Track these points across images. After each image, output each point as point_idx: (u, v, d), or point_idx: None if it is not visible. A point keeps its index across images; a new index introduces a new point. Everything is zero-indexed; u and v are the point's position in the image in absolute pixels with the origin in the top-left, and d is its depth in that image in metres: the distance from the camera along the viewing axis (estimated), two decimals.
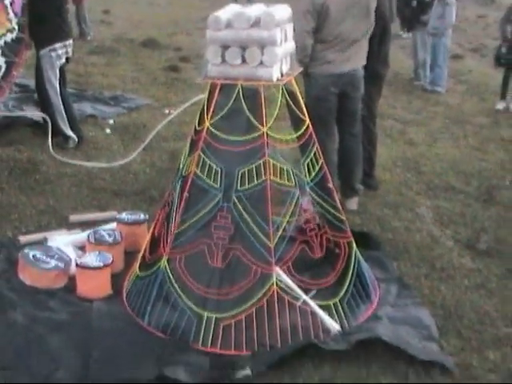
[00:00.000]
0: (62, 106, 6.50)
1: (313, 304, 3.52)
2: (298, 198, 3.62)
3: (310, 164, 3.74)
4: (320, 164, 3.79)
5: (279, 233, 3.51)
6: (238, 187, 3.50)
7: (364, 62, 5.16)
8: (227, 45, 3.51)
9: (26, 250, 4.13)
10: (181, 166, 3.80)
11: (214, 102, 3.57)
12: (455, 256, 4.77)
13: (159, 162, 6.48)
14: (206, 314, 3.48)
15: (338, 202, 3.88)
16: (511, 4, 11.38)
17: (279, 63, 3.57)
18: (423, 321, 3.76)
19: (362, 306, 3.77)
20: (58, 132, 6.55)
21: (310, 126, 3.76)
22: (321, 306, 3.58)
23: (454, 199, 6.00)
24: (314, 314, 3.52)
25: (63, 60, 6.50)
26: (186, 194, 3.59)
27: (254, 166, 3.49)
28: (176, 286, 3.58)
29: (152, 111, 8.40)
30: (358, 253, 4.04)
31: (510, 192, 6.29)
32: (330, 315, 3.59)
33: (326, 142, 5.03)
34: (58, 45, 6.35)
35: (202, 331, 3.47)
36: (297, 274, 3.59)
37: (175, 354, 3.38)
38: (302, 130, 3.74)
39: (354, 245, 3.92)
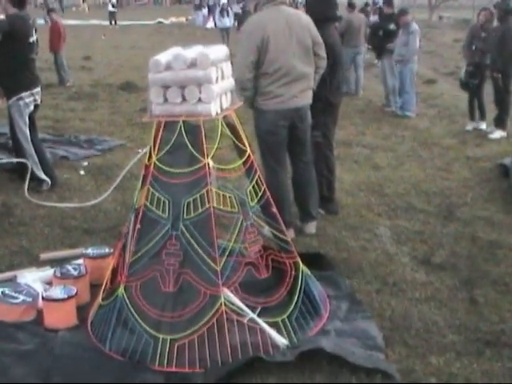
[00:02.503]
0: (33, 151, 6.77)
1: (260, 321, 3.75)
2: (241, 223, 3.86)
3: (253, 190, 3.99)
4: (262, 190, 4.04)
5: (225, 256, 3.75)
6: (185, 216, 3.76)
7: (310, 101, 5.37)
8: (168, 85, 3.80)
9: None
10: (134, 199, 4.05)
11: (159, 138, 3.84)
12: (408, 271, 5.00)
13: (130, 199, 6.65)
14: (161, 336, 3.71)
15: (282, 224, 4.13)
16: (472, 25, 11.81)
17: (218, 99, 3.86)
18: (369, 332, 3.99)
19: (310, 322, 4.01)
20: (32, 176, 6.79)
21: (251, 154, 4.02)
22: (270, 323, 3.81)
23: (414, 218, 6.25)
24: (262, 330, 3.74)
25: (31, 107, 6.80)
26: (137, 226, 3.84)
27: (198, 195, 3.75)
28: (133, 311, 3.81)
29: (125, 151, 8.69)
30: (308, 272, 4.28)
31: (469, 208, 6.55)
32: (279, 331, 3.82)
33: (277, 171, 5.29)
34: (24, 94, 6.65)
35: (158, 352, 3.69)
36: (245, 294, 3.81)
37: (132, 374, 3.60)
38: (244, 159, 4.00)
39: (301, 264, 4.16)
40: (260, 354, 3.63)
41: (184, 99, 3.80)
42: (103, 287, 4.20)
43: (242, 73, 5.01)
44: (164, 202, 3.80)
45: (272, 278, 4.00)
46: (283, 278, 4.03)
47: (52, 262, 5.10)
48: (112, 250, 4.84)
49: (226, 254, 3.77)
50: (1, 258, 5.26)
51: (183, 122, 3.81)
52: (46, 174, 6.92)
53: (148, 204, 3.84)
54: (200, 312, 3.70)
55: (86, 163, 8.10)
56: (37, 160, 6.83)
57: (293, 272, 4.05)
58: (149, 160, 3.93)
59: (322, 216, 5.99)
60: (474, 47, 10.07)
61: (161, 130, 3.86)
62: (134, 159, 5.95)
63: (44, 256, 5.21)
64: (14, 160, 6.96)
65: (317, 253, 5.04)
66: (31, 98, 6.76)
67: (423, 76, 15.79)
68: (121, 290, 3.88)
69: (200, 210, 3.75)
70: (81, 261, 4.85)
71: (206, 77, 3.74)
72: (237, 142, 4.01)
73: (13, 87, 6.64)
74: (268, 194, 4.08)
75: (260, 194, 4.04)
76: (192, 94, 3.77)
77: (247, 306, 3.79)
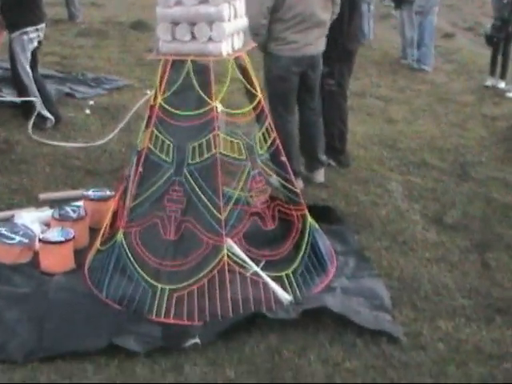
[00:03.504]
0: (35, 88, 6.55)
1: (264, 275, 3.59)
2: (249, 171, 3.67)
3: (262, 138, 3.79)
4: (272, 137, 3.84)
5: (230, 205, 3.57)
6: (190, 161, 3.57)
7: (323, 49, 5.18)
8: (177, 21, 3.56)
9: None
10: (137, 141, 3.86)
11: (165, 78, 3.63)
12: (419, 230, 4.82)
13: (136, 141, 6.48)
14: (159, 285, 3.56)
15: (291, 174, 3.94)
16: None
17: (229, 39, 3.63)
18: (377, 291, 3.83)
19: (316, 278, 3.85)
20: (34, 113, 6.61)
21: (262, 100, 3.81)
22: (273, 278, 3.65)
23: (427, 175, 6.04)
24: (265, 284, 3.59)
25: (35, 44, 6.53)
26: (139, 169, 3.66)
27: (204, 140, 3.55)
28: (132, 258, 3.66)
29: (133, 92, 8.43)
30: (316, 225, 4.10)
31: (484, 168, 6.33)
32: (283, 286, 3.66)
33: (286, 118, 5.11)
34: (29, 28, 6.38)
35: (156, 302, 3.54)
36: (249, 245, 3.65)
37: (128, 324, 3.46)
38: (254, 104, 3.79)
39: (309, 217, 3.98)
40: (262, 310, 3.48)
41: (193, 37, 3.57)
42: (102, 231, 4.04)
43: (257, 18, 4.78)
44: (168, 145, 3.61)
45: (278, 230, 3.82)
46: (289, 231, 3.86)
47: (51, 203, 4.94)
48: (114, 193, 4.66)
49: (231, 202, 3.57)
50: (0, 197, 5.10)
51: (191, 61, 3.59)
52: (49, 111, 6.70)
53: (151, 147, 3.66)
54: (201, 262, 3.55)
55: (92, 102, 7.84)
56: (39, 96, 6.59)
57: (300, 225, 3.86)
58: (154, 100, 3.72)
59: (332, 168, 5.79)
60: (505, 0, 9.64)
61: (167, 70, 3.64)
62: (141, 100, 5.78)
63: (43, 196, 5.05)
64: (19, 99, 6.74)
65: (326, 206, 4.86)
66: (35, 34, 6.49)
67: (441, 30, 15.28)
68: (120, 235, 3.72)
69: (206, 156, 3.56)
70: (81, 203, 4.69)
71: (217, 14, 3.49)
72: (248, 86, 3.78)
73: (18, 21, 6.36)
74: (278, 141, 3.87)
75: (269, 142, 3.83)
76: (202, 31, 3.53)
77: (251, 258, 3.62)
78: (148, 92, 8.01)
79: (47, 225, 4.47)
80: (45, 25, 6.71)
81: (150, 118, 3.73)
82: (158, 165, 3.63)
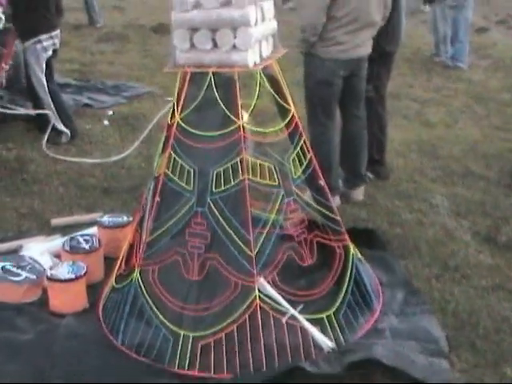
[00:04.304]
0: (50, 100, 6.15)
1: (302, 318, 3.10)
2: (282, 198, 3.18)
3: (297, 159, 3.30)
4: (308, 158, 3.35)
5: (263, 235, 3.07)
6: (213, 189, 3.09)
7: (370, 51, 4.75)
8: (196, 27, 3.09)
9: None
10: (154, 165, 3.40)
11: (183, 93, 3.16)
12: (472, 252, 4.31)
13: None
14: (182, 332, 3.09)
15: (330, 199, 3.45)
16: None
17: (256, 46, 3.14)
18: (431, 332, 3.32)
19: (360, 318, 3.34)
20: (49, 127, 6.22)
21: (295, 115, 3.32)
22: (312, 321, 3.16)
23: (473, 186, 5.52)
24: (303, 330, 3.10)
25: (50, 52, 6.12)
26: (156, 199, 3.19)
27: (230, 164, 3.07)
28: (150, 300, 3.20)
29: (154, 100, 8.02)
30: (359, 255, 3.61)
31: None
32: (323, 330, 3.17)
33: (328, 127, 4.66)
34: (43, 36, 5.98)
35: (179, 351, 3.08)
36: (284, 284, 3.16)
37: (146, 378, 3.00)
38: (287, 121, 3.30)
39: (352, 248, 3.48)
40: (301, 364, 2.99)
41: (215, 45, 3.09)
42: (117, 267, 3.58)
43: (317, 17, 4.36)
44: (189, 171, 3.14)
45: (317, 263, 3.31)
46: (330, 264, 3.36)
47: (64, 228, 4.52)
48: (130, 219, 4.21)
49: (266, 229, 3.09)
50: (8, 222, 4.68)
51: (213, 73, 3.11)
52: (65, 125, 6.30)
53: (169, 173, 3.18)
54: (229, 306, 3.06)
55: (110, 112, 7.44)
56: (54, 110, 6.20)
57: (342, 257, 3.36)
58: (171, 119, 3.25)
59: (370, 181, 5.29)
60: None
61: (186, 83, 3.17)
62: (163, 109, 5.32)
63: (55, 221, 4.62)
64: (33, 112, 6.35)
65: (367, 228, 4.36)
66: (50, 42, 6.08)
67: (473, 24, 14.68)
68: (136, 274, 3.26)
69: (232, 183, 3.08)
70: (95, 229, 4.24)
71: (242, 18, 3.00)
72: (279, 100, 3.30)
73: (30, 28, 5.98)
74: (314, 162, 3.38)
75: (305, 164, 3.34)
76: (225, 38, 3.04)
77: (286, 299, 3.13)
78: (170, 99, 7.64)
79: (58, 256, 4.03)
80: (59, 31, 6.30)
81: (167, 139, 3.26)
82: (177, 194, 3.16)
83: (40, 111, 6.21)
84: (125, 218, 4.25)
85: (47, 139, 6.11)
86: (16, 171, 5.56)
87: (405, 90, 8.85)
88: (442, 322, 3.50)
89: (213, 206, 3.08)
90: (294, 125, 3.31)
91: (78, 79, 8.90)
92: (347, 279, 3.34)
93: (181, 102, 3.17)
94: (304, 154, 3.33)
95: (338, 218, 3.45)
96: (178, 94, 3.20)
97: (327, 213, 3.40)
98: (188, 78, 3.17)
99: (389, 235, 4.42)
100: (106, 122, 7.04)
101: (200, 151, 3.12)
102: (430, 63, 10.99)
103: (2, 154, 5.84)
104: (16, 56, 6.62)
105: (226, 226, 3.06)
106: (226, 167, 3.08)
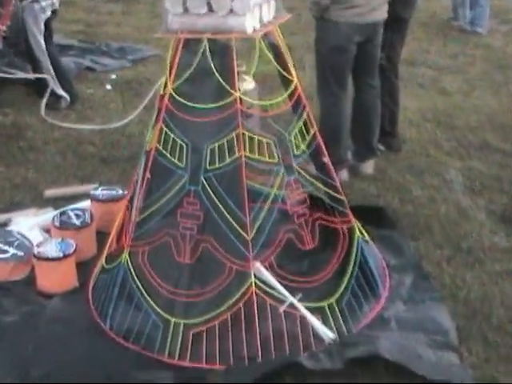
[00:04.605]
0: (49, 63, 5.88)
1: (301, 307, 2.88)
2: (282, 177, 2.94)
3: (300, 134, 3.04)
4: (312, 133, 3.09)
5: (263, 210, 2.83)
6: (207, 166, 2.85)
7: (387, 15, 4.45)
8: None
9: None
10: (146, 138, 3.16)
11: (176, 61, 2.90)
12: (486, 233, 4.05)
13: None
14: (173, 319, 2.89)
15: (335, 177, 3.19)
16: None
17: (256, 10, 2.86)
18: (440, 323, 3.10)
19: (365, 306, 3.12)
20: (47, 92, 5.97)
21: (298, 86, 3.05)
22: (313, 309, 2.94)
23: (490, 159, 5.23)
24: (303, 319, 2.88)
25: (48, 13, 5.82)
26: (147, 175, 2.96)
27: (225, 140, 2.83)
28: (139, 284, 3.00)
29: (160, 63, 7.64)
30: (366, 236, 3.38)
31: None
32: (325, 319, 2.95)
33: (340, 97, 4.41)
34: None
35: (169, 339, 2.88)
36: (282, 269, 2.94)
37: (132, 370, 2.80)
38: (289, 92, 3.04)
39: (357, 229, 3.24)
40: (299, 359, 2.77)
41: (210, 9, 2.82)
42: (108, 245, 3.37)
43: None
44: (181, 146, 2.89)
45: (319, 245, 3.08)
46: (333, 246, 3.12)
47: (57, 201, 4.31)
48: (126, 192, 3.98)
49: (267, 204, 2.86)
50: (0, 193, 4.47)
51: (209, 40, 2.84)
52: (64, 90, 6.04)
53: (161, 148, 2.94)
54: (223, 292, 2.86)
55: (114, 76, 7.16)
56: (53, 73, 5.94)
57: (346, 240, 3.13)
58: (164, 89, 3.00)
59: (381, 153, 5.02)
60: None
61: (179, 50, 2.91)
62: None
63: (48, 193, 4.41)
64: (31, 76, 6.09)
65: (375, 206, 4.12)
66: (48, 2, 5.79)
67: None
68: (125, 255, 3.05)
69: (228, 160, 2.84)
70: (88, 203, 4.03)
71: None
72: (281, 70, 3.03)
73: None
74: (319, 137, 3.12)
75: (309, 139, 3.09)
76: (221, 2, 2.77)
77: (284, 286, 2.91)
78: None
79: (48, 231, 3.83)
80: None
81: (159, 111, 3.01)
82: (168, 170, 2.92)
83: (38, 75, 5.95)
84: (119, 191, 4.03)
85: (46, 104, 5.86)
86: (12, 138, 5.34)
87: (420, 56, 8.49)
88: (453, 310, 3.27)
89: (206, 185, 2.85)
90: (296, 96, 3.04)
91: (82, 41, 8.60)
92: (351, 263, 3.10)
93: (173, 71, 2.91)
94: (307, 128, 3.07)
95: (343, 197, 3.20)
96: (170, 63, 2.94)
97: (331, 192, 3.15)
98: (181, 44, 2.90)
99: (399, 213, 4.17)
100: (108, 87, 6.78)
101: (193, 125, 2.87)
102: (447, 28, 10.56)
103: None
104: (16, 16, 6.35)
105: (221, 207, 2.83)
106: (221, 143, 2.83)
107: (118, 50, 8.12)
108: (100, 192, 4.01)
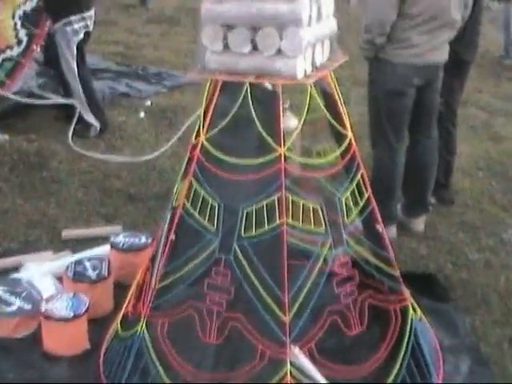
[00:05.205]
0: (80, 89, 5.58)
1: None
2: (329, 249, 2.51)
3: (352, 198, 2.62)
4: (366, 197, 2.67)
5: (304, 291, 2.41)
6: (242, 233, 2.44)
7: (447, 57, 4.04)
8: (231, 24, 2.42)
9: None
10: (174, 191, 2.76)
11: (212, 106, 2.51)
12: None
13: None
14: None
15: (390, 250, 2.76)
16: None
17: (308, 51, 2.46)
18: None
19: None
20: (78, 119, 5.68)
21: (353, 142, 2.64)
22: None
23: None
24: None
25: (81, 36, 5.54)
26: (171, 236, 2.56)
27: (264, 202, 2.41)
28: (155, 360, 2.59)
29: (198, 91, 7.28)
30: (420, 315, 2.93)
31: None
32: None
33: (397, 148, 4.00)
34: (74, 18, 5.40)
35: None
36: (323, 357, 2.50)
37: None
38: (343, 148, 2.62)
39: (411, 309, 2.80)
40: None
41: (255, 48, 2.42)
42: (125, 306, 2.97)
43: (386, 13, 3.69)
44: (212, 206, 2.49)
45: (366, 331, 2.64)
46: (382, 331, 2.68)
47: (76, 242, 3.95)
48: (149, 241, 3.60)
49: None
50: (15, 230, 4.14)
51: (251, 85, 2.45)
52: (95, 117, 5.73)
53: (189, 206, 2.54)
54: (253, 379, 2.44)
55: (148, 103, 6.84)
56: (84, 99, 5.63)
57: (398, 323, 2.69)
58: (196, 137, 2.61)
59: (432, 207, 4.57)
60: None
61: (216, 94, 2.52)
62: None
63: (66, 233, 4.06)
64: (60, 101, 5.79)
65: (427, 273, 3.68)
66: (82, 24, 5.50)
67: None
68: (142, 325, 2.65)
69: (266, 227, 2.42)
70: (107, 248, 3.65)
71: (293, 14, 2.32)
72: (333, 122, 2.62)
73: (60, 8, 5.41)
74: (374, 203, 2.70)
75: (362, 204, 2.66)
76: (268, 40, 2.38)
77: (324, 375, 2.48)
78: None
79: (62, 279, 3.45)
80: (93, 12, 5.71)
81: (189, 161, 2.62)
82: (197, 233, 2.52)
83: (66, 101, 5.66)
84: (143, 239, 3.64)
85: (74, 131, 5.56)
86: (35, 168, 5.02)
87: (472, 97, 8.01)
88: None
89: (240, 254, 2.43)
90: (350, 153, 2.63)
91: (120, 63, 8.33)
92: (403, 349, 2.65)
93: (208, 118, 2.52)
94: (360, 192, 2.65)
95: (397, 273, 2.76)
96: (205, 108, 2.55)
97: (385, 268, 2.71)
98: (219, 87, 2.51)
99: (452, 280, 3.72)
100: (141, 115, 6.45)
101: (228, 182, 2.47)
102: (499, 66, 10.16)
103: (23, 146, 5.29)
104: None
105: (256, 281, 2.41)
106: (259, 206, 2.42)
107: (154, 75, 7.84)
108: (121, 239, 3.63)
